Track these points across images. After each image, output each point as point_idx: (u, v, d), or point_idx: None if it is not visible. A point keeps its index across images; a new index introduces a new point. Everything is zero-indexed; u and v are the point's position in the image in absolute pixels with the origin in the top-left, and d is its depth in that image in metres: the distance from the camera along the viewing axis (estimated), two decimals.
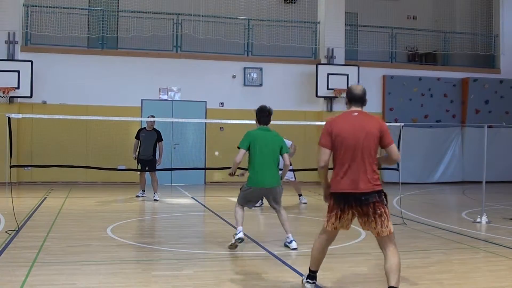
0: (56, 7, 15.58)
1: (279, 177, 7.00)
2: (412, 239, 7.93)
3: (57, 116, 11.16)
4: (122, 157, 15.05)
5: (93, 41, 16.13)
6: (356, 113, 4.71)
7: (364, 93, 4.84)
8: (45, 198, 12.05)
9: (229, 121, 10.88)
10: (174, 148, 15.91)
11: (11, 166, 8.58)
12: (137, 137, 12.32)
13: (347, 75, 16.46)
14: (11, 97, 14.66)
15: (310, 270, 5.03)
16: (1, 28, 14.74)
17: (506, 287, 5.41)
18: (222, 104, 16.47)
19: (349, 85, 4.86)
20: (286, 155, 6.99)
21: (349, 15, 17.71)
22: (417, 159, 16.93)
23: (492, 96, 18.08)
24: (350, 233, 8.38)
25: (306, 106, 16.73)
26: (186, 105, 16.12)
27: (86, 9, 16.38)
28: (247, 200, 7.06)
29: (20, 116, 8.87)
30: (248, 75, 16.69)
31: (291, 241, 6.92)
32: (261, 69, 16.70)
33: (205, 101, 16.30)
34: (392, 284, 4.31)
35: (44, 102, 15.21)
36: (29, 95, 14.56)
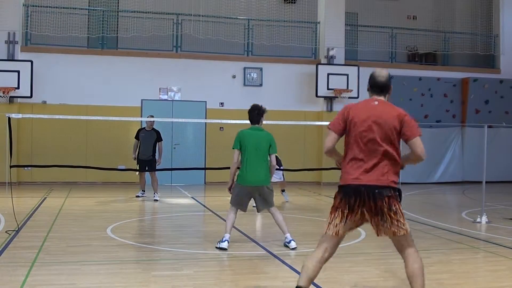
0: (56, 7, 15.58)
1: (268, 177, 6.99)
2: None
3: (57, 116, 11.16)
4: (122, 157, 15.06)
5: (93, 41, 16.13)
6: (376, 102, 4.19)
7: (387, 80, 4.25)
8: (45, 198, 12.06)
9: (229, 121, 10.88)
10: (174, 148, 15.91)
11: (11, 166, 8.59)
12: (137, 137, 12.31)
13: (347, 75, 16.47)
14: (11, 97, 14.66)
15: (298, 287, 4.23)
16: (1, 28, 14.74)
17: (506, 287, 5.42)
18: (222, 104, 16.47)
19: (374, 70, 4.31)
20: (273, 156, 7.00)
21: (349, 15, 17.71)
22: None
23: (492, 96, 18.08)
24: (350, 233, 8.40)
25: (306, 106, 16.73)
26: (186, 105, 16.12)
27: (86, 9, 16.39)
28: (238, 200, 7.01)
29: (20, 116, 8.87)
30: (248, 75, 16.69)
31: (289, 241, 6.92)
32: (261, 69, 16.71)
33: (205, 101, 16.30)
34: None
35: (44, 102, 15.21)
36: (29, 95, 14.56)
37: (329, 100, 16.77)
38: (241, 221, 9.20)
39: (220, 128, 16.24)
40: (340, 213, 4.13)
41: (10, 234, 7.43)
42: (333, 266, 6.07)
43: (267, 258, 6.46)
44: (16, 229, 7.74)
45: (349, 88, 16.39)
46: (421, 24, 18.99)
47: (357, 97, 16.61)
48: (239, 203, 7.03)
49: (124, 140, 15.52)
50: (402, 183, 10.06)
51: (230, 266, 6.14)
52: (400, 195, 4.09)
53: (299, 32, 17.19)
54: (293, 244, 6.88)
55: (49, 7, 15.43)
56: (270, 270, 5.98)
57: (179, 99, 16.18)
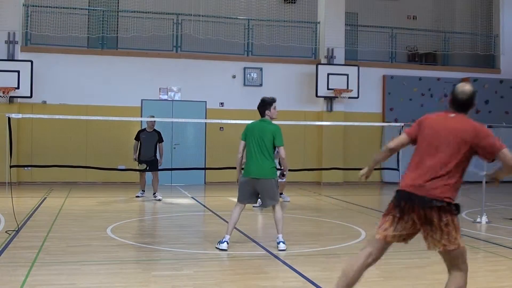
0: (56, 7, 15.57)
1: (271, 170, 6.84)
2: (412, 239, 7.92)
3: (57, 116, 11.17)
4: (122, 157, 15.05)
5: (93, 41, 16.12)
6: (453, 115, 4.07)
7: (469, 98, 4.07)
8: (45, 198, 12.05)
9: (229, 121, 10.88)
10: (174, 148, 15.90)
11: (11, 166, 8.59)
12: (137, 138, 12.16)
13: (347, 75, 16.47)
14: (11, 97, 14.65)
15: None
16: (1, 28, 14.74)
17: (506, 287, 5.42)
18: (222, 104, 16.47)
19: (457, 86, 4.13)
20: (281, 148, 6.84)
21: (349, 15, 17.71)
22: None
23: (492, 96, 18.09)
24: (350, 233, 8.41)
25: (306, 106, 16.72)
26: (186, 105, 16.12)
27: (86, 9, 16.38)
28: (243, 193, 6.94)
29: (20, 116, 8.88)
30: (248, 75, 16.69)
31: (279, 242, 6.80)
32: (261, 69, 16.71)
33: (205, 101, 16.30)
34: None
35: (44, 102, 15.21)
36: (29, 95, 14.56)
37: (329, 100, 16.76)
38: (241, 221, 9.17)
39: (220, 128, 16.24)
40: (391, 217, 4.00)
41: (10, 234, 7.42)
42: (333, 266, 6.07)
43: (267, 258, 6.46)
44: (16, 229, 7.74)
45: (349, 88, 16.39)
46: (421, 24, 18.99)
47: (357, 97, 16.63)
48: (244, 196, 6.94)
49: (124, 140, 15.51)
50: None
51: (230, 266, 6.14)
52: (457, 208, 3.88)
53: (299, 32, 17.19)
54: (281, 246, 6.75)
55: (49, 7, 15.43)
56: (270, 270, 5.98)
57: (179, 99, 16.18)
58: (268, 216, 9.79)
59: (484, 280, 5.65)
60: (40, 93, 14.97)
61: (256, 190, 6.90)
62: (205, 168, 15.98)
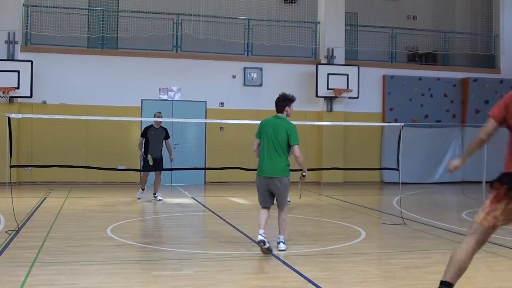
0: (56, 7, 15.57)
1: (285, 168, 6.64)
2: (412, 239, 7.94)
3: (57, 116, 11.16)
4: (122, 157, 15.07)
5: (93, 41, 16.13)
6: None
7: None
8: (45, 198, 12.05)
9: (229, 121, 10.86)
10: (174, 148, 15.89)
11: (11, 166, 8.58)
12: (144, 135, 11.87)
13: (347, 75, 16.47)
14: (11, 97, 14.66)
15: (444, 283, 3.91)
16: (1, 28, 14.74)
17: (506, 287, 5.42)
18: (222, 104, 16.47)
19: None
20: (295, 147, 6.62)
21: (349, 15, 17.71)
22: (417, 159, 16.93)
23: (492, 96, 18.06)
24: (350, 233, 8.42)
25: (306, 106, 16.71)
26: (186, 105, 16.12)
27: (86, 9, 16.39)
28: (260, 194, 6.72)
29: (20, 116, 8.87)
30: (248, 75, 16.69)
31: (279, 242, 6.73)
32: (261, 69, 16.71)
33: (205, 101, 16.30)
34: None
35: (44, 102, 15.21)
36: (29, 95, 14.56)
37: (329, 100, 16.77)
38: (241, 221, 9.22)
39: (220, 128, 16.24)
40: (503, 205, 3.86)
41: (10, 234, 7.42)
42: (333, 266, 6.08)
43: (267, 258, 6.45)
44: (16, 229, 7.74)
45: (349, 88, 16.39)
46: (421, 24, 19.00)
47: (357, 97, 16.63)
48: (261, 199, 6.71)
49: (124, 140, 15.54)
50: (402, 183, 10.08)
51: (230, 266, 6.14)
52: None
53: (299, 32, 17.19)
54: (281, 246, 6.67)
55: (49, 7, 15.43)
56: (270, 270, 5.98)
57: (179, 99, 16.19)
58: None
59: (484, 280, 5.65)
60: (40, 93, 14.97)
61: (270, 189, 6.69)
62: (205, 168, 15.99)
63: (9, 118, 7.93)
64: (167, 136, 11.98)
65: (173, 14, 16.29)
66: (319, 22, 17.22)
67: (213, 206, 11.36)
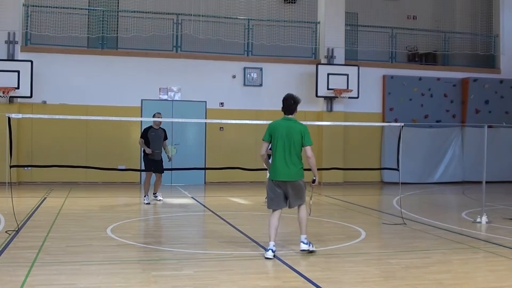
0: (56, 7, 15.57)
1: (299, 171, 6.53)
2: (412, 239, 7.93)
3: (57, 116, 11.14)
4: (122, 157, 15.07)
5: (93, 41, 16.13)
6: None
7: None
8: (45, 198, 12.05)
9: (229, 121, 10.84)
10: (174, 148, 15.91)
11: (11, 166, 8.58)
12: (144, 136, 11.70)
13: (347, 75, 16.47)
14: (11, 97, 14.65)
15: None
16: (1, 28, 14.74)
17: (506, 287, 5.42)
18: (222, 104, 16.47)
19: None
20: (308, 148, 6.50)
21: (349, 15, 17.71)
22: (417, 159, 16.94)
23: (492, 96, 18.08)
24: (350, 233, 8.42)
25: (306, 106, 16.64)
26: (186, 105, 16.12)
27: (86, 9, 16.38)
28: (272, 198, 6.57)
29: (20, 116, 8.86)
30: (248, 75, 16.69)
31: (301, 242, 6.60)
32: (261, 69, 16.71)
33: (205, 101, 16.30)
34: None
35: (44, 102, 15.21)
36: (29, 95, 14.56)
37: (329, 100, 16.77)
38: (241, 221, 9.21)
39: (220, 128, 16.24)
40: None
41: (10, 234, 7.42)
42: (333, 266, 6.08)
43: (268, 258, 6.45)
44: (16, 229, 7.74)
45: (349, 88, 16.39)
46: (421, 24, 19.00)
47: (357, 97, 16.63)
48: (274, 202, 6.56)
49: (124, 140, 15.54)
50: (402, 183, 10.07)
51: (230, 266, 6.13)
52: None
53: (299, 32, 17.19)
54: (302, 246, 6.57)
55: (49, 7, 15.43)
56: (270, 270, 5.98)
57: (179, 99, 16.18)
58: (267, 216, 9.78)
59: (484, 280, 5.65)
60: (40, 93, 14.97)
61: (286, 193, 6.56)
62: (205, 168, 15.99)
63: (9, 118, 7.93)
64: (166, 137, 11.98)
65: (173, 14, 16.29)
66: (319, 22, 17.22)
67: (213, 206, 11.36)
